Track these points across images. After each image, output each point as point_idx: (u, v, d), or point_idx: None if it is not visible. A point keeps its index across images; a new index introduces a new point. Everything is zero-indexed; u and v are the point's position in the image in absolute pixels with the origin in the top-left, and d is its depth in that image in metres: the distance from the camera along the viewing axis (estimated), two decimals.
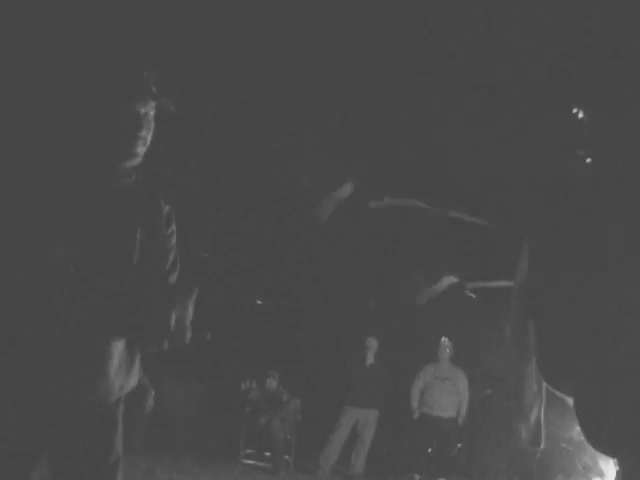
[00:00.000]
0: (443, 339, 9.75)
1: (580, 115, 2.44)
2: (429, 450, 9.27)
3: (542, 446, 2.77)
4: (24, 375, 2.21)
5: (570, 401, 2.51)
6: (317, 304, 11.92)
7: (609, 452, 2.37)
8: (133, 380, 2.43)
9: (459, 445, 9.62)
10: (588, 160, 2.49)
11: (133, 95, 2.37)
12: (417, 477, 9.17)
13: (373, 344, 9.64)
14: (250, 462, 9.22)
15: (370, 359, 9.63)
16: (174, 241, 2.52)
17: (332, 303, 12.18)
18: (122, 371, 2.36)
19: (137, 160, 2.39)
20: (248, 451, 9.34)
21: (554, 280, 2.41)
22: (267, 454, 9.20)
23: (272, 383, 9.59)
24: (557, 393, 2.60)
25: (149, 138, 2.40)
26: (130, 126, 2.34)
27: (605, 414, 2.30)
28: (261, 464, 9.17)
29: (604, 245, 2.32)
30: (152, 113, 2.40)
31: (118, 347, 2.33)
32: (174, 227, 2.52)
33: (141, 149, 2.38)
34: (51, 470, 2.34)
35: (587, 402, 2.38)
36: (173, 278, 2.50)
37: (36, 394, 2.22)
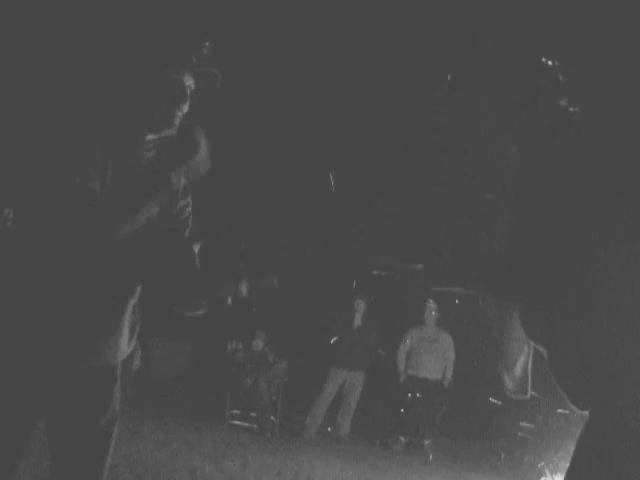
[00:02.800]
0: (429, 301, 9.76)
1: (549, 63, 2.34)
2: (401, 411, 9.33)
3: (528, 395, 2.74)
4: (26, 338, 2.18)
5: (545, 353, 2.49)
6: (305, 266, 11.92)
7: (580, 405, 2.35)
8: (132, 343, 2.42)
9: (444, 407, 9.69)
10: (572, 110, 2.39)
11: (179, 65, 2.30)
12: (402, 439, 9.23)
13: (361, 306, 9.64)
14: (236, 423, 9.25)
15: (358, 321, 9.63)
16: (189, 212, 2.49)
17: (320, 265, 12.19)
18: (126, 335, 2.35)
19: (172, 131, 2.33)
20: (234, 412, 9.36)
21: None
22: (253, 415, 9.22)
23: (258, 344, 9.59)
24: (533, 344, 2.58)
25: (185, 111, 2.34)
26: (173, 96, 2.28)
27: (580, 367, 2.28)
28: (247, 425, 9.20)
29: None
30: (192, 87, 2.33)
31: (127, 312, 2.31)
32: (190, 200, 2.49)
33: (178, 121, 2.31)
34: (49, 432, 2.33)
35: (560, 357, 2.36)
36: (195, 247, 2.48)
37: (37, 358, 2.19)
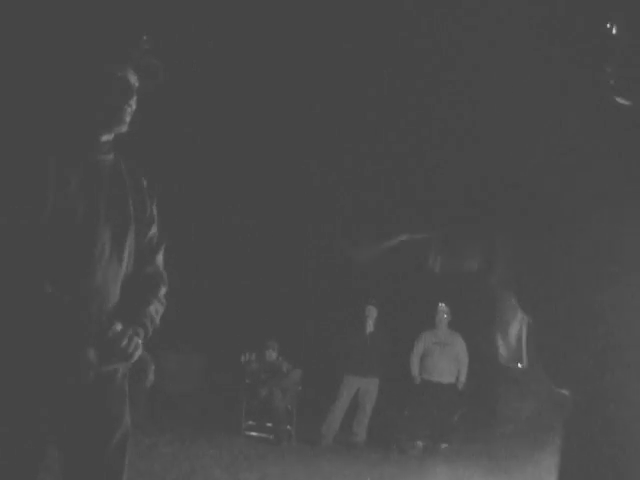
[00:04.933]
0: (440, 304, 9.73)
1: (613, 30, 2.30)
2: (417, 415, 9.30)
3: (523, 364, 2.72)
4: (26, 362, 2.17)
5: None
6: (314, 273, 11.91)
7: (558, 381, 2.33)
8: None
9: (460, 410, 9.65)
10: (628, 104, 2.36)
11: (121, 61, 2.31)
12: (420, 444, 9.19)
13: (373, 312, 9.61)
14: (252, 434, 9.23)
15: (370, 327, 9.61)
16: (155, 218, 2.50)
17: (330, 272, 12.16)
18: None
19: (124, 128, 2.35)
20: (250, 423, 9.34)
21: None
22: (269, 425, 9.21)
23: (271, 354, 9.58)
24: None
25: (134, 106, 2.35)
26: (120, 93, 2.29)
27: (565, 344, 2.26)
28: (263, 435, 9.18)
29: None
30: (137, 82, 2.35)
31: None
32: (154, 206, 2.50)
33: (128, 118, 2.33)
34: (60, 452, 2.32)
35: (549, 329, 2.34)
36: (159, 257, 2.50)
37: (40, 379, 2.18)
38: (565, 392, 2.30)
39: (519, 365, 2.74)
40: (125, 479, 2.36)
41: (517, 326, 2.67)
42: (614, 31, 2.27)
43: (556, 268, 2.28)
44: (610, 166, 2.24)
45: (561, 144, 2.36)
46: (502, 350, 2.74)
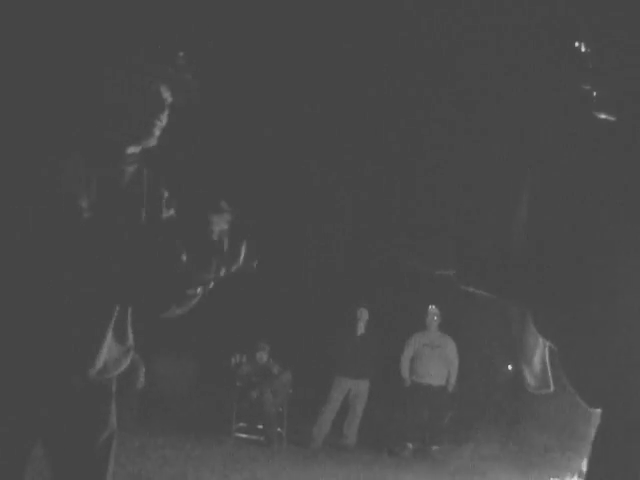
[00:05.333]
0: (431, 307, 9.75)
1: (582, 49, 2.32)
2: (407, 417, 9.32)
3: (551, 389, 2.72)
4: (20, 361, 2.18)
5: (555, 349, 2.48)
6: (307, 276, 11.92)
7: (591, 402, 2.34)
8: (127, 358, 2.40)
9: (450, 413, 9.68)
10: (595, 94, 2.37)
11: (156, 76, 2.31)
12: (410, 446, 9.21)
13: (364, 314, 9.62)
14: (243, 436, 9.22)
15: (361, 329, 9.62)
16: (171, 226, 2.47)
17: (322, 275, 12.18)
18: (114, 347, 2.33)
19: (153, 142, 2.35)
20: (240, 425, 9.34)
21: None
22: (260, 427, 9.21)
23: (262, 356, 9.58)
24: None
25: (165, 121, 2.35)
26: (152, 108, 2.30)
27: (590, 365, 2.28)
28: (254, 437, 9.17)
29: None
30: (170, 97, 2.35)
31: (110, 328, 2.30)
32: (172, 212, 2.49)
33: (157, 132, 2.33)
34: (46, 452, 2.32)
35: (573, 353, 2.36)
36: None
37: (30, 379, 2.19)
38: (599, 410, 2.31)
39: (548, 390, 2.74)
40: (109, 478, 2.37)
41: (540, 352, 2.68)
42: (583, 49, 2.30)
43: (570, 290, 2.29)
44: (606, 174, 2.26)
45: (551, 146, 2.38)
46: (529, 379, 2.74)
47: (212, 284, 2.34)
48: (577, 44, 2.31)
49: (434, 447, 9.19)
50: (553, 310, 2.37)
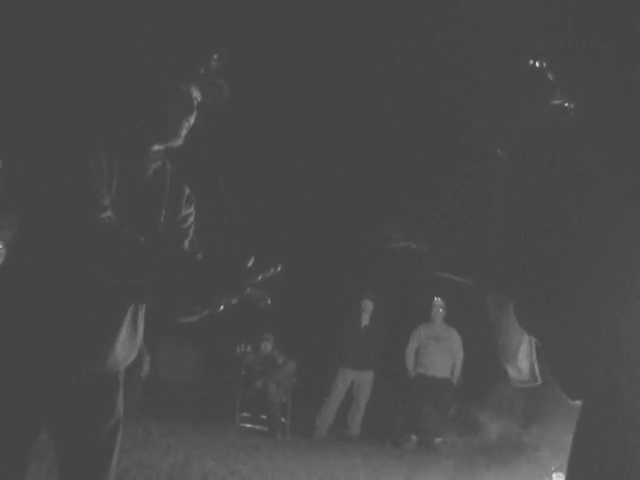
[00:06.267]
0: (436, 299, 9.74)
1: (537, 65, 2.33)
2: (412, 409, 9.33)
3: (539, 382, 2.73)
4: (28, 350, 2.19)
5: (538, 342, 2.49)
6: (311, 265, 11.92)
7: (573, 395, 2.34)
8: (136, 350, 2.42)
9: (454, 405, 9.68)
10: (567, 105, 2.37)
11: (188, 76, 2.31)
12: (414, 438, 9.22)
13: (369, 306, 9.62)
14: (247, 425, 9.25)
15: (365, 321, 9.63)
16: (191, 222, 2.51)
17: (327, 266, 12.17)
18: (127, 342, 2.35)
19: (179, 142, 2.35)
20: (244, 414, 9.36)
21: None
22: (263, 417, 9.22)
23: (267, 346, 9.60)
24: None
25: (192, 122, 2.35)
26: (181, 107, 2.29)
27: (570, 357, 2.27)
28: (257, 427, 9.19)
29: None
30: (199, 98, 2.35)
31: (126, 320, 2.32)
32: (193, 209, 2.51)
33: (184, 132, 2.33)
34: (54, 438, 2.35)
35: (554, 345, 2.35)
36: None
37: (39, 367, 2.20)
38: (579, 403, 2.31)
39: (535, 383, 2.74)
40: (115, 467, 2.38)
41: (526, 346, 2.68)
42: (537, 66, 2.30)
43: (555, 282, 2.28)
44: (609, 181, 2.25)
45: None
46: (512, 373, 2.75)
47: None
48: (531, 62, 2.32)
49: (438, 439, 9.19)
50: (534, 303, 2.36)
